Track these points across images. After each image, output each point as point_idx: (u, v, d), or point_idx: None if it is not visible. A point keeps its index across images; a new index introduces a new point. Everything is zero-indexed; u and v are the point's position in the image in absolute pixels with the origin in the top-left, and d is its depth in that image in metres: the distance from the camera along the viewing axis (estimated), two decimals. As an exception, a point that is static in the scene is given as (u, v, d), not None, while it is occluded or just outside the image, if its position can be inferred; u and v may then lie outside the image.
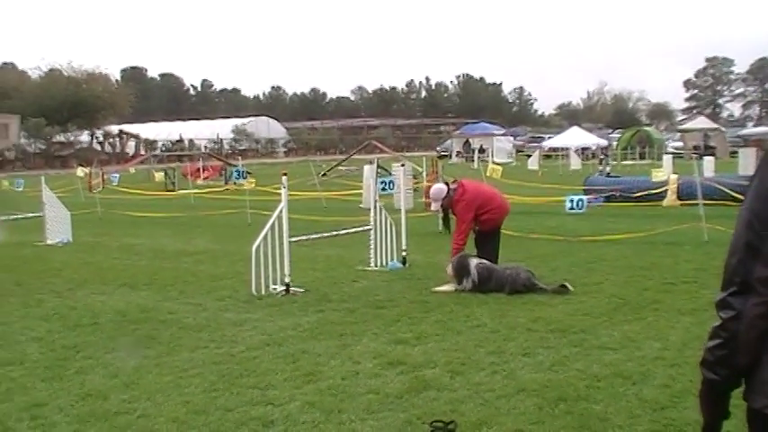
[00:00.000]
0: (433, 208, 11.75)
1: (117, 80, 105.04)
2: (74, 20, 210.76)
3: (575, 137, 63.89)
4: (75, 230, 16.90)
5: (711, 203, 15.75)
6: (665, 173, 21.28)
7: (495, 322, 8.33)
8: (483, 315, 8.69)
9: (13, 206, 22.25)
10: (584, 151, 55.72)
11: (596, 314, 8.59)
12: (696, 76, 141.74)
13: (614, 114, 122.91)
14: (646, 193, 19.92)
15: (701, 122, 66.51)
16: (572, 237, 14.84)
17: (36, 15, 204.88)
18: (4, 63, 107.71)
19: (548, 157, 54.84)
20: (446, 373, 6.53)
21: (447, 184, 11.20)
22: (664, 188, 20.14)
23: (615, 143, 62.97)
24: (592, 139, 64.72)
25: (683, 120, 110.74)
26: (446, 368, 6.67)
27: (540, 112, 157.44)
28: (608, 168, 34.70)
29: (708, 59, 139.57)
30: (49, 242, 16.21)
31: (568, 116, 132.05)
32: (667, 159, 31.74)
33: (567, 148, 52.71)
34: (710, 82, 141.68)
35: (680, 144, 60.63)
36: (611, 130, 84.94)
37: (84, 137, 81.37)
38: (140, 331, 8.38)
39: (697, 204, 15.03)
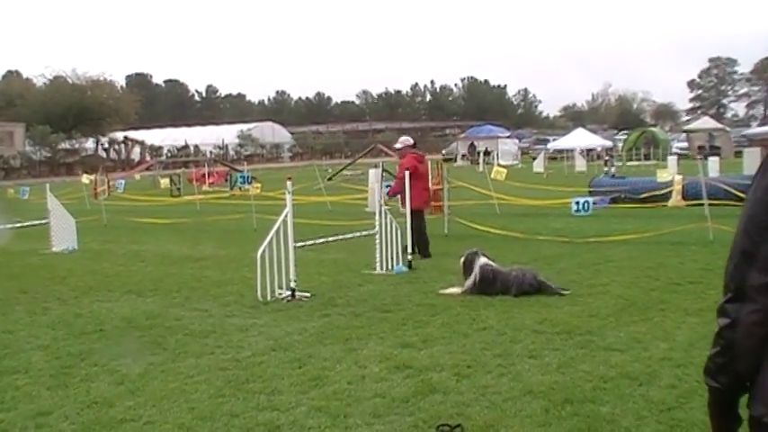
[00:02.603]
0: (397, 145, 15.03)
1: (122, 87, 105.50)
2: (78, 27, 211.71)
3: (580, 138, 63.78)
4: (81, 238, 16.92)
5: (717, 203, 15.70)
6: (670, 173, 21.21)
7: (502, 324, 8.31)
8: (489, 317, 8.67)
9: (19, 214, 22.31)
10: (589, 153, 55.59)
11: (603, 315, 8.57)
12: (700, 76, 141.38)
13: (619, 115, 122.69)
14: (651, 193, 19.88)
15: (706, 123, 66.32)
16: (578, 238, 14.81)
17: (40, 23, 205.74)
18: (9, 71, 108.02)
19: (553, 158, 54.73)
20: (452, 377, 6.51)
21: (415, 147, 14.67)
22: (669, 189, 20.09)
23: (620, 144, 62.84)
24: (597, 141, 64.61)
25: (687, 120, 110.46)
26: (452, 371, 6.65)
27: (544, 114, 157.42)
28: (613, 169, 34.56)
29: (711, 60, 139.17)
30: (54, 249, 16.22)
31: (573, 118, 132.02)
32: (672, 160, 31.69)
33: (573, 150, 52.59)
34: (714, 82, 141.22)
35: (685, 144, 60.49)
36: (615, 131, 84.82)
37: (90, 144, 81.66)
38: (146, 338, 8.37)
39: (702, 204, 14.99)
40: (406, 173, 13.02)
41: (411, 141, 14.76)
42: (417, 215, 13.35)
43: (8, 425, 5.81)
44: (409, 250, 12.66)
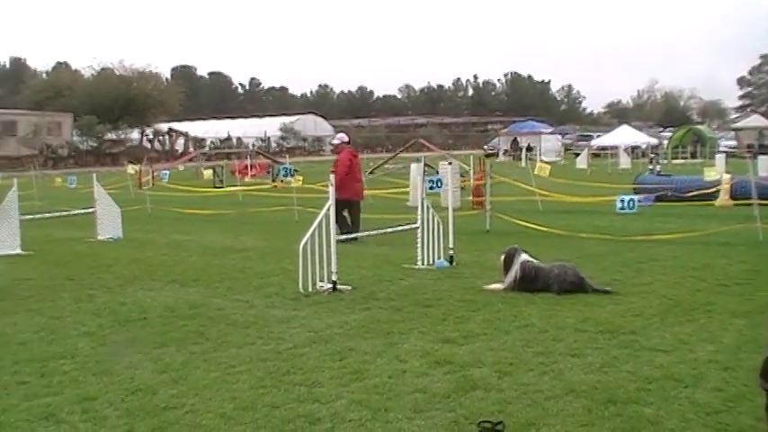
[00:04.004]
0: (334, 141, 16.77)
1: (167, 78, 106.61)
2: (126, 19, 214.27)
3: (624, 135, 63.09)
4: (126, 227, 17.13)
5: (766, 203, 15.41)
6: (717, 172, 20.89)
7: (544, 322, 8.24)
8: (531, 315, 8.60)
9: (66, 202, 22.68)
10: (633, 150, 54.97)
11: (647, 315, 8.45)
12: (750, 73, 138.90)
13: (665, 112, 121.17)
14: (698, 192, 19.58)
15: (756, 121, 65.28)
16: (622, 236, 14.63)
17: (89, 15, 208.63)
18: (58, 62, 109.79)
19: (596, 155, 54.21)
20: (494, 373, 6.46)
21: (350, 144, 16.60)
22: (716, 188, 19.78)
23: (666, 142, 62.03)
24: (642, 138, 63.86)
25: (736, 118, 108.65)
26: (494, 368, 6.61)
27: (588, 111, 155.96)
28: (658, 167, 34.17)
29: (763, 56, 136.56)
30: (100, 238, 16.44)
31: (618, 114, 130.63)
32: (720, 158, 31.20)
33: (617, 147, 52.04)
34: (766, 79, 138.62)
35: (733, 143, 59.52)
36: (661, 129, 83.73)
37: (135, 134, 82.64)
38: (189, 327, 8.44)
39: (751, 204, 14.73)
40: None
41: (346, 138, 16.82)
42: (350, 203, 15.35)
43: (55, 408, 5.90)
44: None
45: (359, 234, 13.75)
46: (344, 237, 12.83)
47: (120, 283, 11.35)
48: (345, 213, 15.25)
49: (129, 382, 6.52)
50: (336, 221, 14.20)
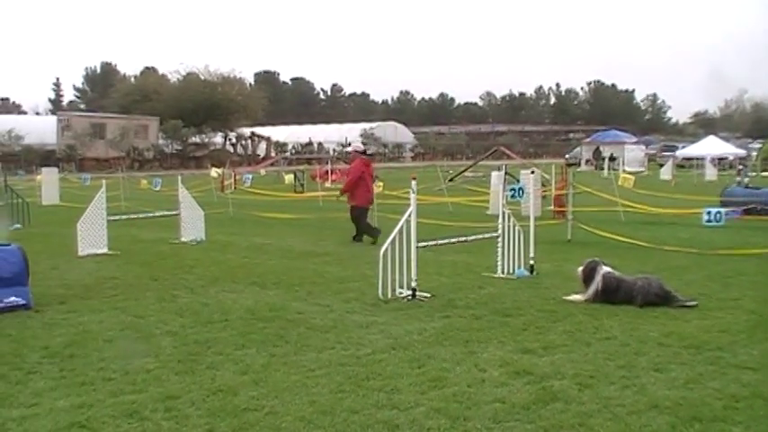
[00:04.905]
0: (348, 149, 18.64)
1: (250, 84, 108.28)
2: (211, 25, 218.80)
3: (711, 146, 61.47)
4: (208, 229, 17.45)
5: None
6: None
7: (626, 335, 8.07)
8: (613, 327, 8.44)
9: (151, 204, 23.23)
10: (720, 161, 53.47)
11: (734, 331, 8.20)
12: None
13: (754, 123, 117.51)
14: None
15: None
16: (707, 249, 14.23)
17: (176, 21, 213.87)
18: (146, 67, 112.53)
19: (681, 166, 52.97)
20: (574, 386, 6.36)
21: (365, 154, 17.74)
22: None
23: (755, 153, 60.13)
24: (729, 149, 62.13)
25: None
26: (574, 380, 6.51)
27: (673, 121, 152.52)
28: (746, 179, 33.16)
29: None
30: (183, 240, 16.78)
31: (704, 125, 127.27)
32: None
33: (703, 158, 50.73)
34: None
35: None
36: (750, 140, 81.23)
37: (218, 138, 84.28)
38: (269, 330, 8.54)
39: None
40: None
41: (362, 148, 17.93)
42: (360, 210, 16.62)
43: (139, 406, 6.03)
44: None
45: (443, 241, 13.49)
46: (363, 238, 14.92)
47: (202, 284, 11.57)
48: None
49: (210, 382, 6.63)
50: (363, 228, 16.01)
